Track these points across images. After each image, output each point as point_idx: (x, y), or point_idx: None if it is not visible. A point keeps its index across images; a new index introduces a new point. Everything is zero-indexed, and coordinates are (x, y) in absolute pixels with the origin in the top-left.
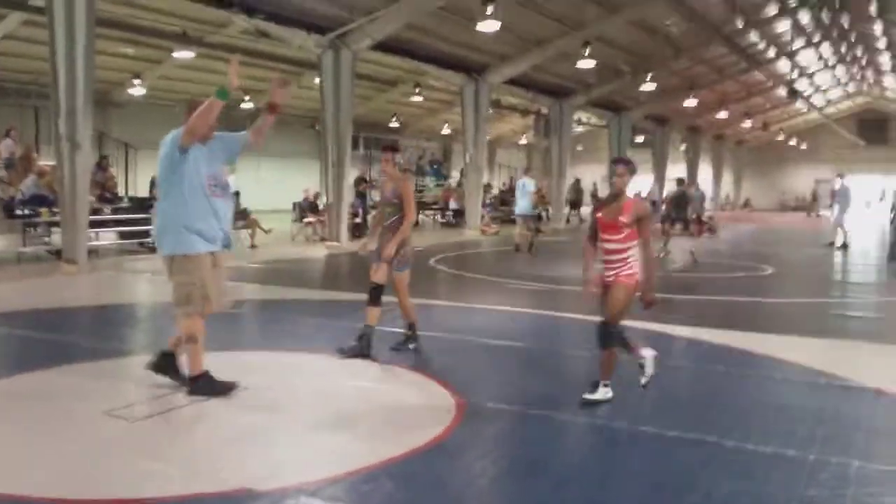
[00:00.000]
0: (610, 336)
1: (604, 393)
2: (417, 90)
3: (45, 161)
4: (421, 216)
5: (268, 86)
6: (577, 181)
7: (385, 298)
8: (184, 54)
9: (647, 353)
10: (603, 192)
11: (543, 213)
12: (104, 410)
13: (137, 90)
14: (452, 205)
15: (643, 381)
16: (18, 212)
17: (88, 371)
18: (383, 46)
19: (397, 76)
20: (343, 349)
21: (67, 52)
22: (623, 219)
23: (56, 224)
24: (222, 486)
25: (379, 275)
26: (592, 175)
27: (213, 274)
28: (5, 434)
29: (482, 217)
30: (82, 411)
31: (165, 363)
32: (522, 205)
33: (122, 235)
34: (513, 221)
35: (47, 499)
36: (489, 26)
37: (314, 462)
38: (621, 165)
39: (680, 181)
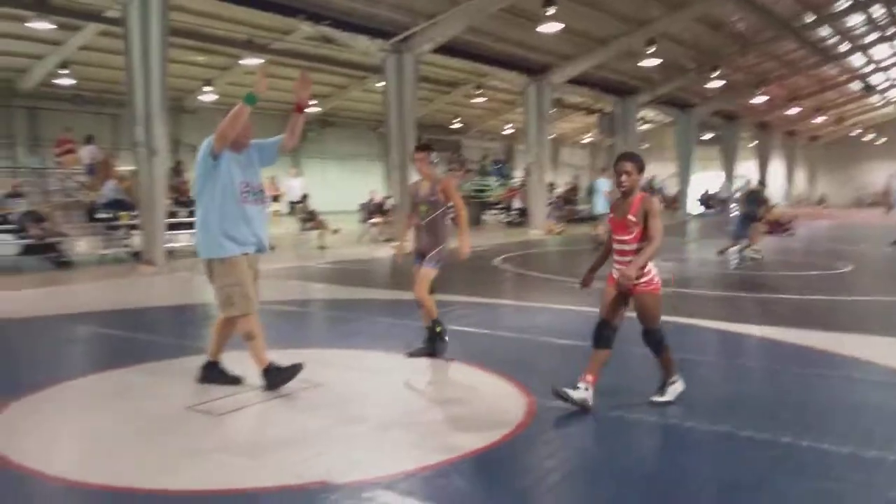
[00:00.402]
0: (657, 343)
1: (673, 391)
2: (479, 91)
3: (123, 167)
4: (484, 216)
5: (332, 90)
6: (652, 179)
7: (450, 298)
8: (251, 61)
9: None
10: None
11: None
12: (187, 406)
13: (208, 96)
14: (516, 204)
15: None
16: (99, 215)
17: (169, 368)
18: (445, 49)
19: (459, 78)
20: (411, 351)
21: (143, 62)
22: (631, 217)
23: (134, 227)
24: (300, 479)
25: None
26: (659, 173)
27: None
28: (96, 428)
29: (546, 216)
30: (166, 406)
31: (211, 373)
32: (599, 203)
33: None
34: (578, 220)
35: (141, 489)
36: (550, 27)
37: (388, 457)
38: (628, 163)
39: (752, 181)
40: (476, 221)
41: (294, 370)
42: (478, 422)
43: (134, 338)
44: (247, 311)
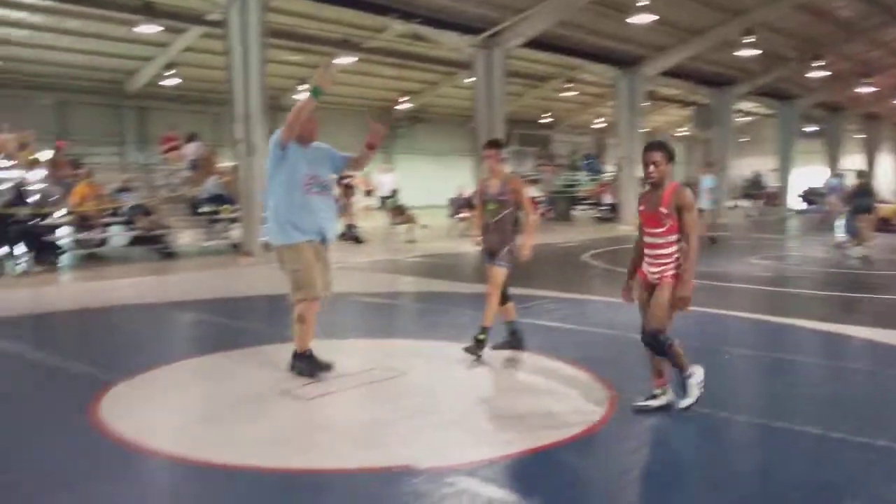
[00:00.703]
0: (661, 344)
1: (694, 383)
2: (569, 85)
3: (224, 163)
4: (574, 211)
5: (423, 86)
6: (757, 174)
7: (538, 293)
8: (344, 59)
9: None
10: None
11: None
12: (282, 390)
13: (303, 95)
14: (606, 199)
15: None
16: (201, 209)
17: (265, 354)
18: (534, 43)
19: (548, 72)
20: (496, 343)
21: (243, 63)
22: (663, 209)
23: (234, 220)
24: (385, 462)
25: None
26: (758, 167)
27: (318, 266)
28: (195, 407)
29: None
30: (261, 390)
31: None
32: (703, 200)
33: None
34: None
35: (234, 466)
36: (642, 19)
37: (470, 444)
38: (657, 152)
39: (860, 173)
40: (565, 217)
41: (322, 368)
42: (560, 414)
43: (232, 325)
44: (308, 295)
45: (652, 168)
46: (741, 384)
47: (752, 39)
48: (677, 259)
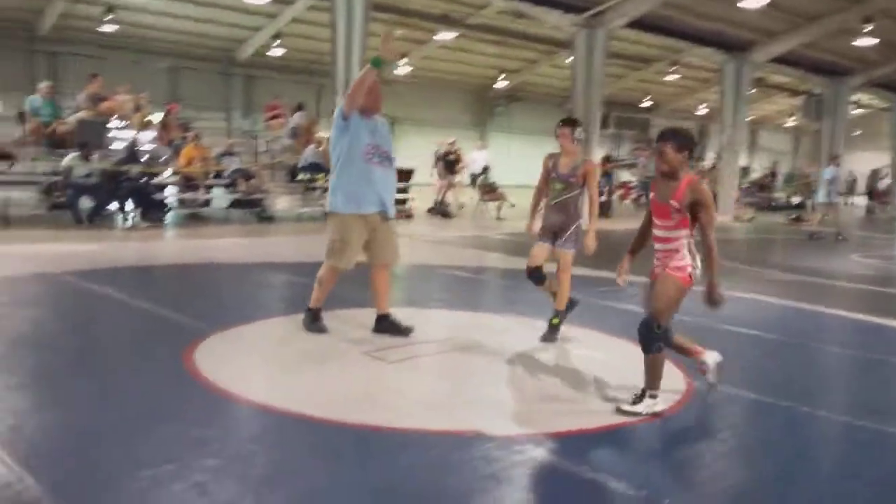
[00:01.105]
0: (652, 338)
1: (648, 405)
2: (673, 68)
3: (324, 133)
4: None
5: (521, 65)
6: (879, 171)
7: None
8: (445, 36)
9: (710, 359)
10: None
11: (808, 202)
12: (364, 352)
13: (403, 69)
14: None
15: (624, 407)
16: (299, 177)
17: (352, 317)
18: (638, 24)
19: (651, 54)
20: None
21: (346, 35)
22: (674, 202)
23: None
24: (457, 426)
25: (540, 257)
26: (870, 162)
27: (379, 235)
28: (282, 362)
29: (736, 202)
30: (346, 351)
31: (384, 325)
32: (821, 192)
33: None
34: (773, 209)
35: (317, 418)
36: (754, 2)
37: (541, 417)
38: (667, 143)
39: None
40: None
41: (320, 329)
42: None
43: (299, 282)
44: (335, 265)
45: (658, 160)
46: (824, 380)
47: (871, 28)
48: (681, 252)
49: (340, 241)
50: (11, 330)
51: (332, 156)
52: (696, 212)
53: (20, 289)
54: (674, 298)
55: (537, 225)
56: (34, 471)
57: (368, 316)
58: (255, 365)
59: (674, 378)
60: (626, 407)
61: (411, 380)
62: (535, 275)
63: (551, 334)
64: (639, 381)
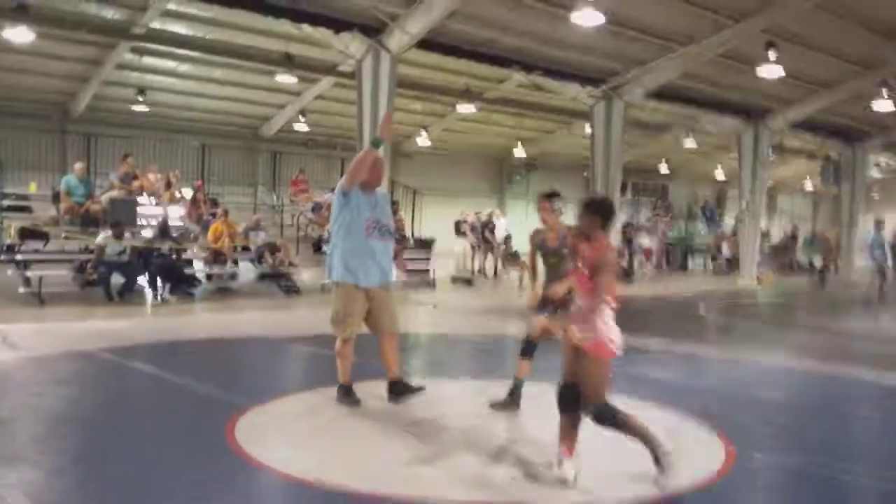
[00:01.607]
0: (609, 417)
1: (568, 471)
2: (690, 135)
3: None
4: (690, 263)
5: (538, 135)
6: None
7: (653, 344)
8: (465, 108)
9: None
10: None
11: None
12: (400, 425)
13: (423, 141)
14: (725, 252)
15: (659, 479)
16: (324, 249)
17: (380, 387)
18: (656, 94)
19: (669, 122)
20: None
21: (372, 112)
22: (581, 266)
23: None
24: (500, 497)
25: (539, 329)
26: (890, 225)
27: (379, 304)
28: (326, 436)
29: (758, 265)
30: (378, 421)
31: (398, 389)
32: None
33: (408, 271)
34: (794, 271)
35: (358, 493)
36: (772, 72)
37: (591, 487)
38: (583, 210)
39: None
40: (682, 267)
41: (353, 402)
42: (677, 465)
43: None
44: (340, 334)
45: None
46: (864, 448)
47: (888, 93)
48: (593, 321)
49: (343, 311)
50: (50, 409)
51: (333, 228)
52: (596, 275)
53: (57, 367)
54: (601, 376)
55: (537, 296)
56: None
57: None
58: (296, 440)
59: (712, 444)
60: (660, 478)
61: (445, 448)
62: (530, 346)
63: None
64: (679, 451)
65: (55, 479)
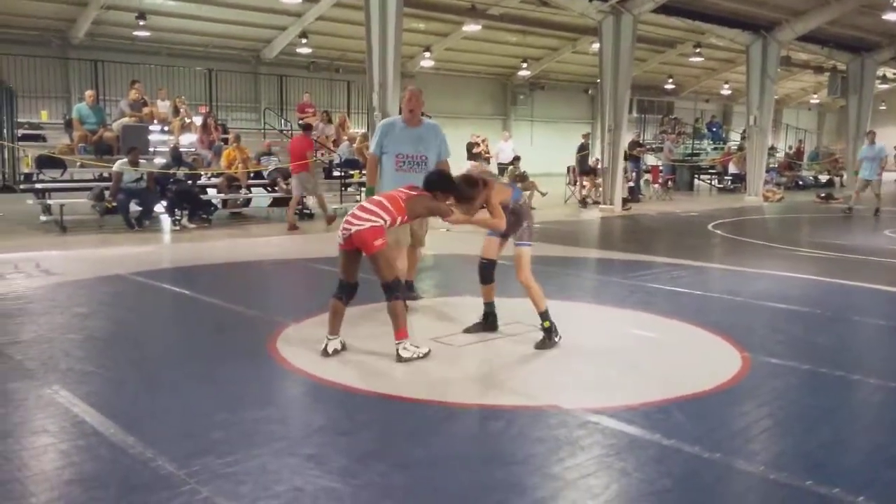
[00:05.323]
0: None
1: (409, 351)
2: (697, 50)
3: (356, 129)
4: (696, 181)
5: (544, 52)
6: None
7: (663, 259)
8: (470, 27)
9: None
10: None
11: (836, 180)
12: (432, 337)
13: (427, 62)
14: (731, 169)
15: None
16: (336, 173)
17: (418, 306)
18: (664, 8)
19: (676, 36)
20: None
21: (380, 32)
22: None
23: (363, 184)
24: (536, 402)
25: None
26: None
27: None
28: (364, 349)
29: (765, 182)
30: (416, 336)
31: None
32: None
33: None
34: (801, 188)
35: (400, 397)
36: None
37: (611, 392)
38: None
39: None
40: (689, 186)
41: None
42: (695, 371)
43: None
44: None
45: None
46: (871, 350)
47: None
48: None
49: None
50: (99, 328)
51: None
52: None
53: (96, 289)
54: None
55: None
56: (163, 451)
57: (436, 305)
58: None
59: (727, 351)
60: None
61: (482, 362)
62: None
63: (550, 338)
64: (697, 358)
65: (116, 389)
